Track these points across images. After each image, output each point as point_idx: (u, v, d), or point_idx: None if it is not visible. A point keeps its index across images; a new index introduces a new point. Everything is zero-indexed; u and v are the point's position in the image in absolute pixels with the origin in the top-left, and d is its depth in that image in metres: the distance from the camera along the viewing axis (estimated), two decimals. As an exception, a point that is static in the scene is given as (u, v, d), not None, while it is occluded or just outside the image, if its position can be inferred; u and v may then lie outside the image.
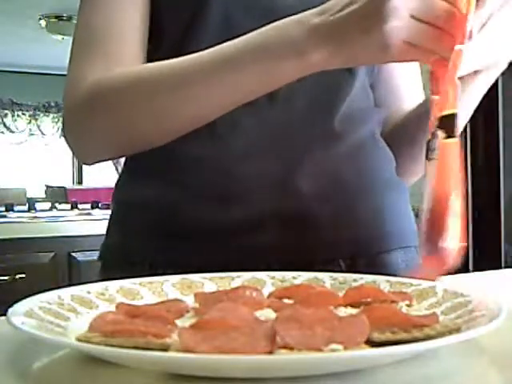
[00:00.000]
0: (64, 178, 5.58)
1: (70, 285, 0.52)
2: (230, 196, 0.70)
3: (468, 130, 2.75)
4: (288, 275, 0.57)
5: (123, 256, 0.75)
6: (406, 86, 0.87)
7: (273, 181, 0.70)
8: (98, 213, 3.19)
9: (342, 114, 0.74)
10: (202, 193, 0.71)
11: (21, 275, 2.69)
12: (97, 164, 0.75)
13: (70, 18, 4.11)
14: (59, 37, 4.30)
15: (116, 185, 0.81)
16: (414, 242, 0.78)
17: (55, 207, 3.53)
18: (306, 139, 0.71)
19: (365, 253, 0.73)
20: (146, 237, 0.74)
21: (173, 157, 0.72)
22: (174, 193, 0.72)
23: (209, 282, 0.55)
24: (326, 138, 0.72)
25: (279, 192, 0.69)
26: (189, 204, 0.71)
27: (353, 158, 0.74)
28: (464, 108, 0.70)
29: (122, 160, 0.81)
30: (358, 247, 0.72)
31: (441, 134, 0.51)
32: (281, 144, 0.71)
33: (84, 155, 0.74)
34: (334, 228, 0.71)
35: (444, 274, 0.49)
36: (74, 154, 0.73)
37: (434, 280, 0.50)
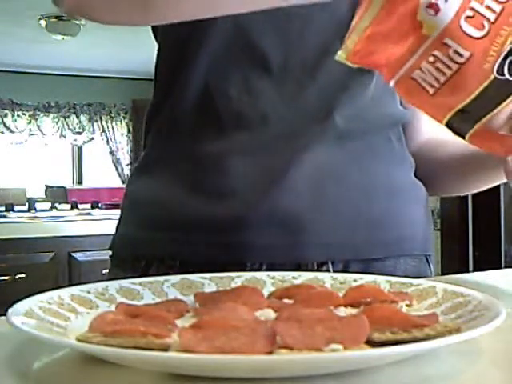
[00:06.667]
0: (64, 178, 5.58)
1: (70, 285, 0.52)
2: (222, 192, 0.69)
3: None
4: (288, 275, 0.57)
5: (124, 248, 0.77)
6: None
7: (269, 178, 0.68)
8: (97, 213, 3.19)
9: (350, 113, 0.71)
10: (195, 188, 0.71)
11: (21, 275, 2.70)
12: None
13: (69, 18, 4.10)
14: (59, 37, 4.30)
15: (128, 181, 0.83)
16: (419, 250, 0.75)
17: (55, 207, 3.53)
18: (307, 137, 0.70)
19: (359, 258, 0.70)
20: (142, 230, 0.74)
21: (173, 152, 0.74)
22: (167, 188, 0.73)
23: (209, 282, 0.55)
24: (328, 137, 0.70)
25: (274, 189, 0.68)
26: (182, 199, 0.71)
27: (357, 160, 0.72)
28: None
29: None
30: (352, 252, 0.70)
31: None
32: (281, 140, 0.69)
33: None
34: (329, 230, 0.69)
35: None
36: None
37: None
